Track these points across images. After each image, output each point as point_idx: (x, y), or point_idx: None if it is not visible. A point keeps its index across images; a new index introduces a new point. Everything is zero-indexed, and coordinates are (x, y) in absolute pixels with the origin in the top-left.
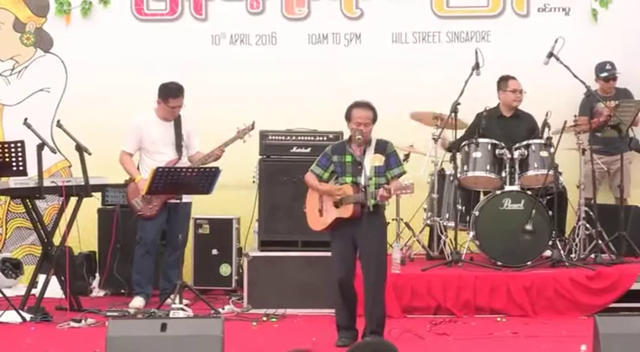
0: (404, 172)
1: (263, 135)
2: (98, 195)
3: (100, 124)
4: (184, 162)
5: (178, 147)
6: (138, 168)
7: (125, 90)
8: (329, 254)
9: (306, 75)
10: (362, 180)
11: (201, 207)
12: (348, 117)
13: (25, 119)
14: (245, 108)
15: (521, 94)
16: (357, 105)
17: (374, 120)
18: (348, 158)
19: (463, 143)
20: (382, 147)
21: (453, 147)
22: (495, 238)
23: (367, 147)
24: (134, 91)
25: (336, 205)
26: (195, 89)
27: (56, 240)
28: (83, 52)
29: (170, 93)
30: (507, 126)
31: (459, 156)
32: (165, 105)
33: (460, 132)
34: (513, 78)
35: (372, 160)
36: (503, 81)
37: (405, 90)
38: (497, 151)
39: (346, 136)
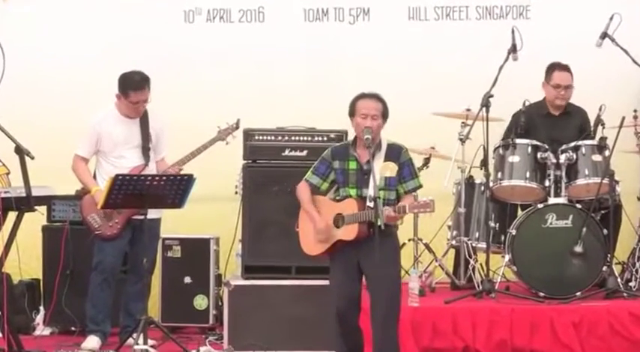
0: (419, 186)
1: (248, 134)
2: (43, 209)
3: (45, 122)
4: (152, 169)
5: (145, 150)
6: (94, 177)
7: (77, 82)
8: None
9: (302, 60)
10: (369, 193)
11: (172, 224)
12: (352, 111)
13: None
14: (226, 101)
15: (566, 91)
16: (363, 95)
17: (384, 114)
18: (352, 164)
19: (496, 144)
20: (395, 153)
21: None
22: (537, 263)
23: (376, 151)
24: (88, 82)
25: (337, 224)
26: (164, 78)
27: None
28: (24, 35)
29: (131, 85)
30: (554, 123)
31: (491, 160)
32: (126, 100)
33: (494, 133)
34: (562, 68)
35: (381, 169)
36: (549, 71)
37: (425, 78)
38: (539, 155)
39: (351, 136)
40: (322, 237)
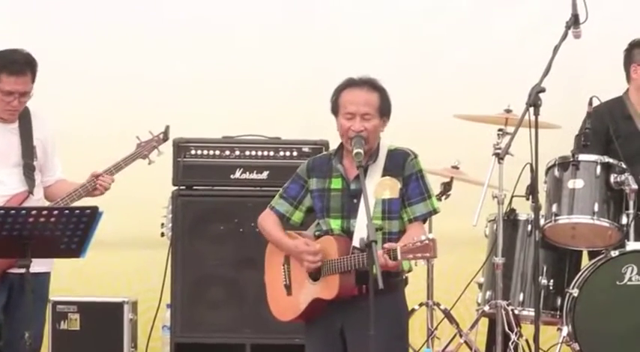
0: (433, 211)
1: (180, 147)
2: None
3: None
4: (39, 199)
5: (27, 169)
6: None
7: None
8: None
9: (269, 36)
10: (358, 233)
11: (67, 281)
12: (335, 106)
13: None
14: (148, 98)
15: None
16: (350, 83)
17: (382, 110)
18: (337, 183)
19: (550, 162)
20: (398, 161)
21: None
22: (609, 338)
23: (371, 162)
24: None
25: (314, 276)
26: (56, 66)
27: None
28: None
29: (6, 65)
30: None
31: (542, 186)
32: None
33: (547, 145)
34: None
35: (377, 189)
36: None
37: (444, 67)
38: (612, 177)
39: (334, 146)
40: (311, 259)
